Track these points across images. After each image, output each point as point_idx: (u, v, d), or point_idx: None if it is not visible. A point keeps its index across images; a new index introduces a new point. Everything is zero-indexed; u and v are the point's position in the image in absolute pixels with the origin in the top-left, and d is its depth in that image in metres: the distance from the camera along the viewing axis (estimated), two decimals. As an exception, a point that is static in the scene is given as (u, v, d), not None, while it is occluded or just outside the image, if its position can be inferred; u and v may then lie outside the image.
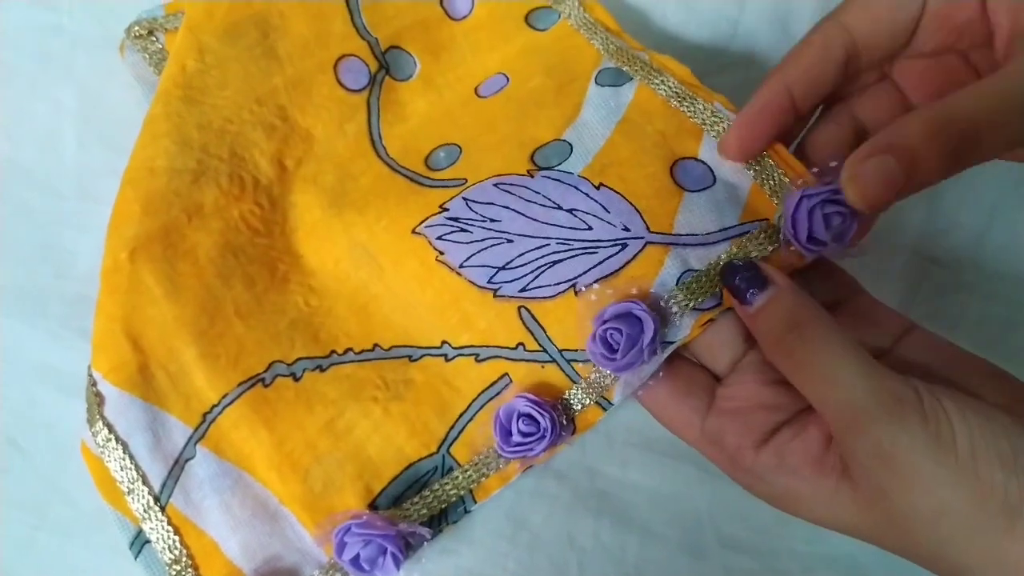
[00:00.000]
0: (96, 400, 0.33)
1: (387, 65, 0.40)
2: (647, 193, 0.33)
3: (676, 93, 0.35)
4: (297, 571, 0.32)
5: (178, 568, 0.32)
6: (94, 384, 0.33)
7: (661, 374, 0.31)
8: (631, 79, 0.37)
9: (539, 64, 0.39)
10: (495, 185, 0.35)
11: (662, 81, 0.36)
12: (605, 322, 0.31)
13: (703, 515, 0.36)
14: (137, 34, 0.40)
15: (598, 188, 0.34)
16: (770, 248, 0.32)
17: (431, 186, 0.36)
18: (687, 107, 0.35)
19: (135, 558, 0.32)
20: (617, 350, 0.30)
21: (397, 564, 0.31)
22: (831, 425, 0.26)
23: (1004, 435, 0.24)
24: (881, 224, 0.37)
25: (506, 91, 0.39)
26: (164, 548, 0.32)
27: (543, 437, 0.31)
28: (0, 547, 0.35)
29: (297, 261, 0.36)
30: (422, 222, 0.35)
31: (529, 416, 0.31)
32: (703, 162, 0.34)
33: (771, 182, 0.33)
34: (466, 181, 0.35)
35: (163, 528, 0.32)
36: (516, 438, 0.31)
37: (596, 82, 0.37)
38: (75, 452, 0.35)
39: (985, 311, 0.39)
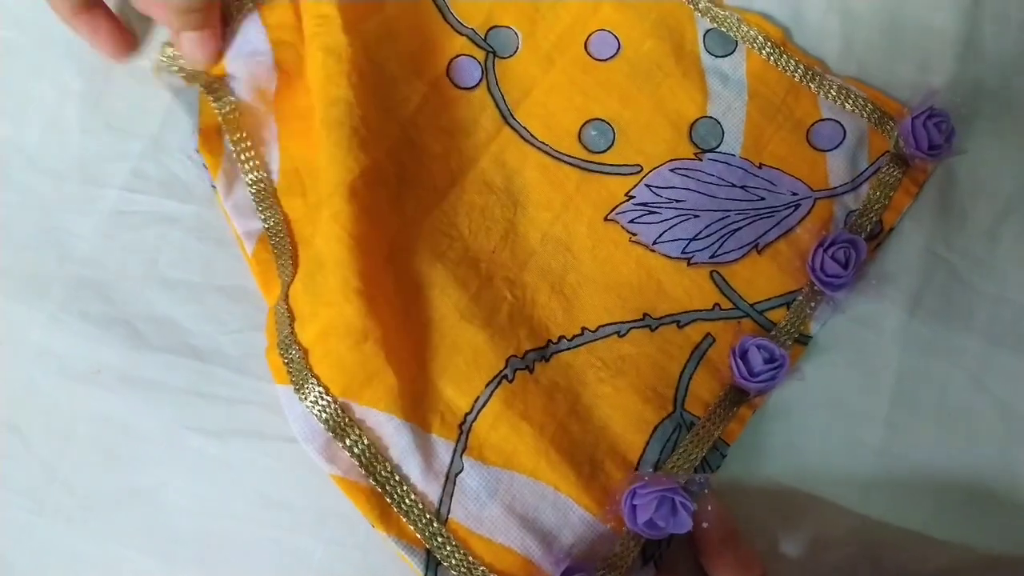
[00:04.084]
0: (350, 425, 0.33)
1: (492, 48, 0.41)
2: (799, 164, 0.40)
3: (782, 59, 0.41)
4: (592, 551, 0.33)
5: None
6: (339, 410, 0.33)
7: None
8: (736, 44, 0.42)
9: (640, 22, 0.42)
10: (671, 170, 0.39)
11: (767, 50, 0.41)
12: (828, 248, 0.37)
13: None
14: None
15: (760, 168, 0.39)
16: (900, 172, 0.39)
17: (604, 172, 0.39)
18: (794, 72, 0.41)
19: None
20: (847, 266, 0.36)
21: (689, 513, 0.32)
22: None
23: None
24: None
25: (623, 56, 0.41)
26: (457, 564, 0.33)
27: (781, 365, 0.35)
28: (-1, 534, 0.35)
29: (492, 258, 0.37)
30: (612, 210, 0.39)
31: (765, 347, 0.35)
32: (828, 119, 0.40)
33: (874, 118, 0.40)
34: (641, 168, 0.39)
35: (451, 544, 0.33)
36: (760, 368, 0.35)
37: (707, 50, 0.41)
38: (75, 438, 0.35)
39: (996, 310, 0.38)
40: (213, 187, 0.38)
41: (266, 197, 0.37)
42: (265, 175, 0.38)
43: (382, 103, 0.38)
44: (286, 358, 0.33)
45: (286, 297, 0.35)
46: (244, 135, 0.38)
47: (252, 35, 0.39)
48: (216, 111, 0.38)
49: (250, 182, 0.37)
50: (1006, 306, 0.38)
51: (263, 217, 0.37)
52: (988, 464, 0.36)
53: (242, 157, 0.38)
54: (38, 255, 0.38)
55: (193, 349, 0.36)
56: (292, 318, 0.34)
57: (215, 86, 0.38)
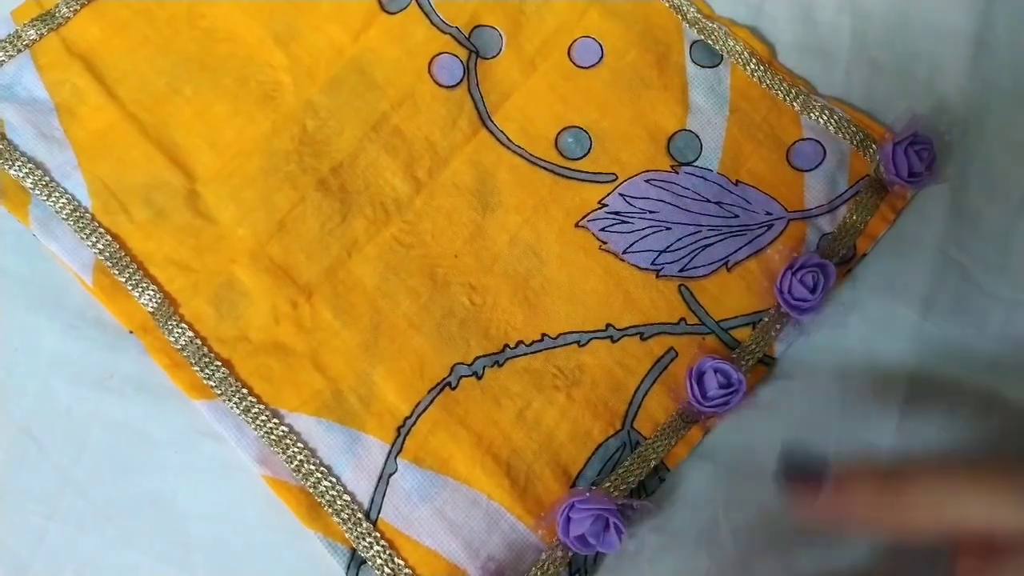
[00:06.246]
0: (282, 429, 0.35)
1: (475, 48, 0.41)
2: (776, 183, 0.39)
3: (767, 76, 0.41)
4: (520, 560, 0.34)
5: None
6: (275, 419, 0.35)
7: None
8: (722, 57, 0.41)
9: (627, 31, 0.42)
10: (647, 181, 0.39)
11: (752, 66, 0.41)
12: (797, 271, 0.36)
13: (719, 512, 0.35)
14: None
15: (736, 184, 0.39)
16: (879, 198, 0.39)
17: (578, 179, 0.40)
18: (777, 90, 0.41)
19: None
20: (815, 290, 0.36)
21: (620, 536, 0.32)
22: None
23: None
24: (904, 220, 0.36)
25: (605, 64, 0.41)
26: (382, 564, 0.33)
27: (737, 391, 0.35)
28: (12, 537, 0.34)
29: (455, 262, 0.38)
30: (584, 217, 0.39)
31: (722, 371, 0.35)
32: (809, 138, 0.40)
33: (857, 140, 0.40)
34: (616, 177, 0.39)
35: (378, 544, 0.33)
36: (714, 392, 0.35)
37: (692, 60, 0.41)
38: (89, 444, 0.36)
39: (1009, 313, 0.38)
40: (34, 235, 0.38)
41: (86, 224, 0.37)
42: (76, 203, 0.38)
43: (344, 110, 0.40)
44: (205, 373, 0.35)
45: (180, 319, 0.36)
46: (41, 174, 0.38)
47: (27, 79, 0.40)
48: (13, 176, 0.38)
49: (64, 216, 0.38)
50: (1019, 309, 0.38)
51: (90, 243, 0.37)
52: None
53: (45, 193, 0.38)
54: (54, 261, 0.38)
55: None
56: (203, 338, 0.36)
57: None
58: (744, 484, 0.36)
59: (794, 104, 0.41)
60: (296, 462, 0.34)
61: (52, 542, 0.35)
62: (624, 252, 0.38)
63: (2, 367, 0.37)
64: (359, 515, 0.34)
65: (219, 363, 0.36)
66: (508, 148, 0.40)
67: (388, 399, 0.36)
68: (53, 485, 0.35)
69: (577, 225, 0.39)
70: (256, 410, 0.35)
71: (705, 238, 0.38)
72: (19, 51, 0.40)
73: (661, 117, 0.40)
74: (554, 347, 0.37)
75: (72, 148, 0.39)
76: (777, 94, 0.41)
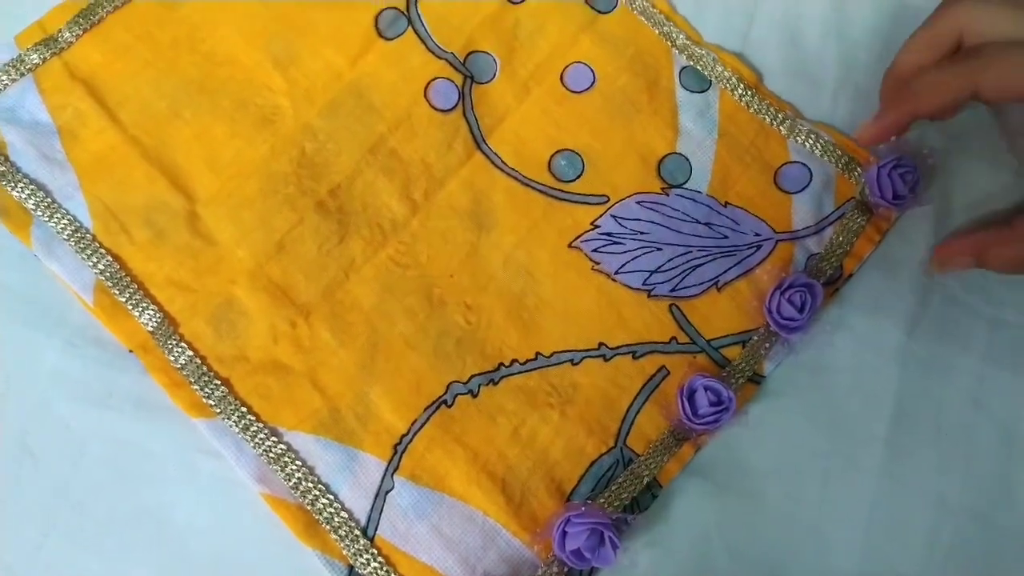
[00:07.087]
0: (281, 448, 0.35)
1: (470, 73, 0.42)
2: (764, 205, 0.40)
3: (754, 102, 0.42)
4: (517, 575, 0.34)
5: None
6: (274, 437, 0.35)
7: None
8: (711, 83, 0.42)
9: (618, 57, 0.43)
10: (638, 203, 0.40)
11: (740, 91, 0.42)
12: (785, 291, 0.37)
13: (711, 528, 0.36)
14: None
15: (725, 206, 0.40)
16: (864, 220, 0.40)
17: (571, 201, 0.40)
18: (764, 115, 0.42)
19: None
20: (803, 310, 0.37)
21: (615, 550, 0.33)
22: None
23: None
24: (889, 241, 0.37)
25: (597, 89, 0.42)
26: None
27: (727, 408, 0.35)
28: (9, 553, 0.34)
29: (450, 282, 0.38)
30: (577, 237, 0.40)
31: (713, 389, 0.36)
32: (796, 161, 0.41)
33: (842, 163, 0.41)
34: (608, 198, 0.40)
35: (375, 561, 0.34)
36: (704, 410, 0.35)
37: (682, 85, 0.42)
38: (87, 459, 0.36)
39: (993, 332, 0.39)
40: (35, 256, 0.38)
41: (87, 244, 0.38)
42: (78, 224, 0.38)
43: (341, 132, 0.40)
44: (204, 392, 0.36)
45: (180, 338, 0.37)
46: (43, 195, 0.39)
47: (30, 103, 0.40)
48: (15, 197, 0.39)
49: (66, 236, 0.38)
50: (1004, 328, 0.39)
51: (91, 264, 0.38)
52: (987, 485, 0.36)
53: (47, 214, 0.38)
54: (56, 282, 0.38)
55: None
56: (203, 358, 0.36)
57: (1, 170, 0.39)
58: (735, 499, 0.36)
59: (781, 128, 0.42)
60: (294, 480, 0.35)
61: (49, 558, 0.34)
62: (616, 272, 0.39)
63: (2, 383, 0.37)
64: (356, 532, 0.34)
65: (218, 382, 0.36)
66: (502, 171, 0.41)
67: (385, 417, 0.36)
68: (50, 501, 0.35)
69: (570, 246, 0.39)
70: (255, 428, 0.35)
71: (696, 259, 0.39)
72: (22, 75, 0.41)
73: (652, 140, 0.41)
74: (548, 365, 0.37)
75: (74, 170, 0.39)
76: (764, 118, 0.42)
